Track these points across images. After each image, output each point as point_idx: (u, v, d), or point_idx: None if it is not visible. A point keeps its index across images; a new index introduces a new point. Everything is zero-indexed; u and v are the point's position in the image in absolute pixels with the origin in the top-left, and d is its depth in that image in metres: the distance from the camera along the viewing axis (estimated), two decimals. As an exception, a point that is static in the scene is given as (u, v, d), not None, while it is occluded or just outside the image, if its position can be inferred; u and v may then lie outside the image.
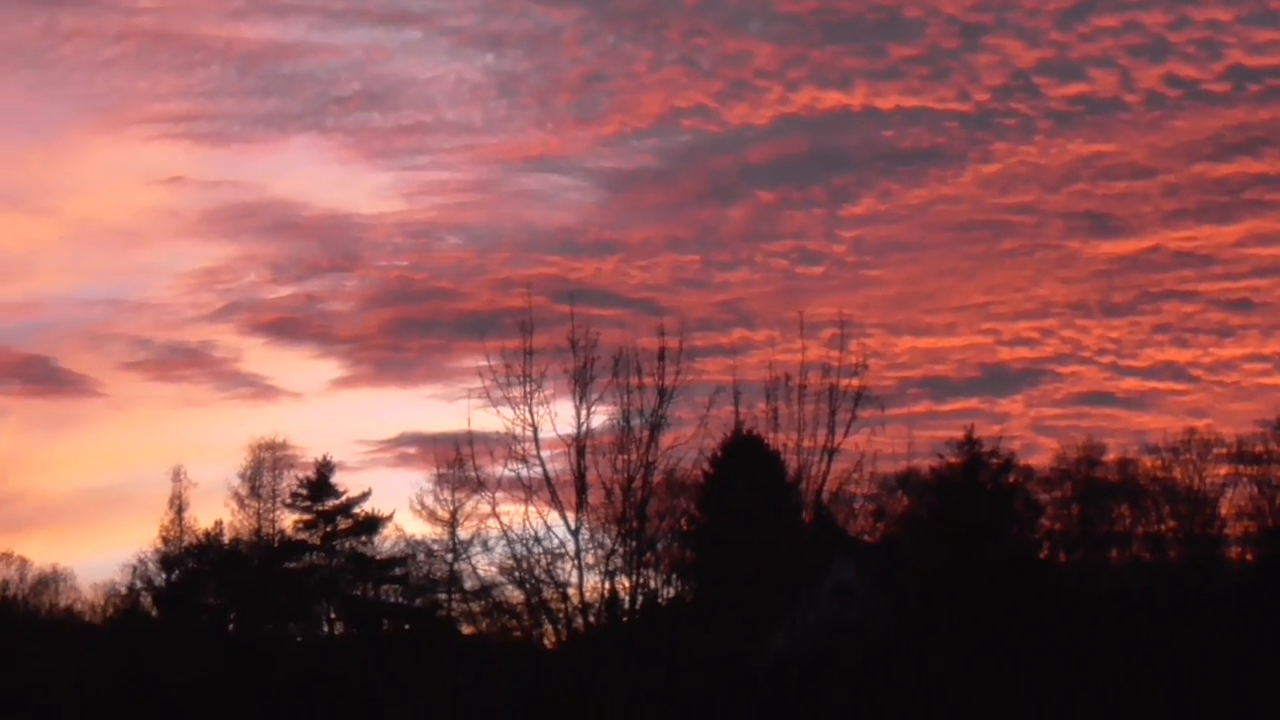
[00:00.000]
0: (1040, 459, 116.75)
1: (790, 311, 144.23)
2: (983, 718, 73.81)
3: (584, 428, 73.85)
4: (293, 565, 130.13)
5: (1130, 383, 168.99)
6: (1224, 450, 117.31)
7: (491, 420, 74.01)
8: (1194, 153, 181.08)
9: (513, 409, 73.60)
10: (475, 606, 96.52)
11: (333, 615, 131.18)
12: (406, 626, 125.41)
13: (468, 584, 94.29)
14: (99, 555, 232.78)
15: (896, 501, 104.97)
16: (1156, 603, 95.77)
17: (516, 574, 77.74)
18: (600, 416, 73.99)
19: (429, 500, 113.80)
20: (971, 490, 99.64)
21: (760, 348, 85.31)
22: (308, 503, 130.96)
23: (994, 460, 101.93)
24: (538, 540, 74.08)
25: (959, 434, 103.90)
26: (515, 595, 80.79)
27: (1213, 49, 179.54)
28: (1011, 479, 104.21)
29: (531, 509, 74.12)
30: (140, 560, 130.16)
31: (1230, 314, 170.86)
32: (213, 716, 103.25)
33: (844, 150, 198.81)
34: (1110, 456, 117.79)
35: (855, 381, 75.73)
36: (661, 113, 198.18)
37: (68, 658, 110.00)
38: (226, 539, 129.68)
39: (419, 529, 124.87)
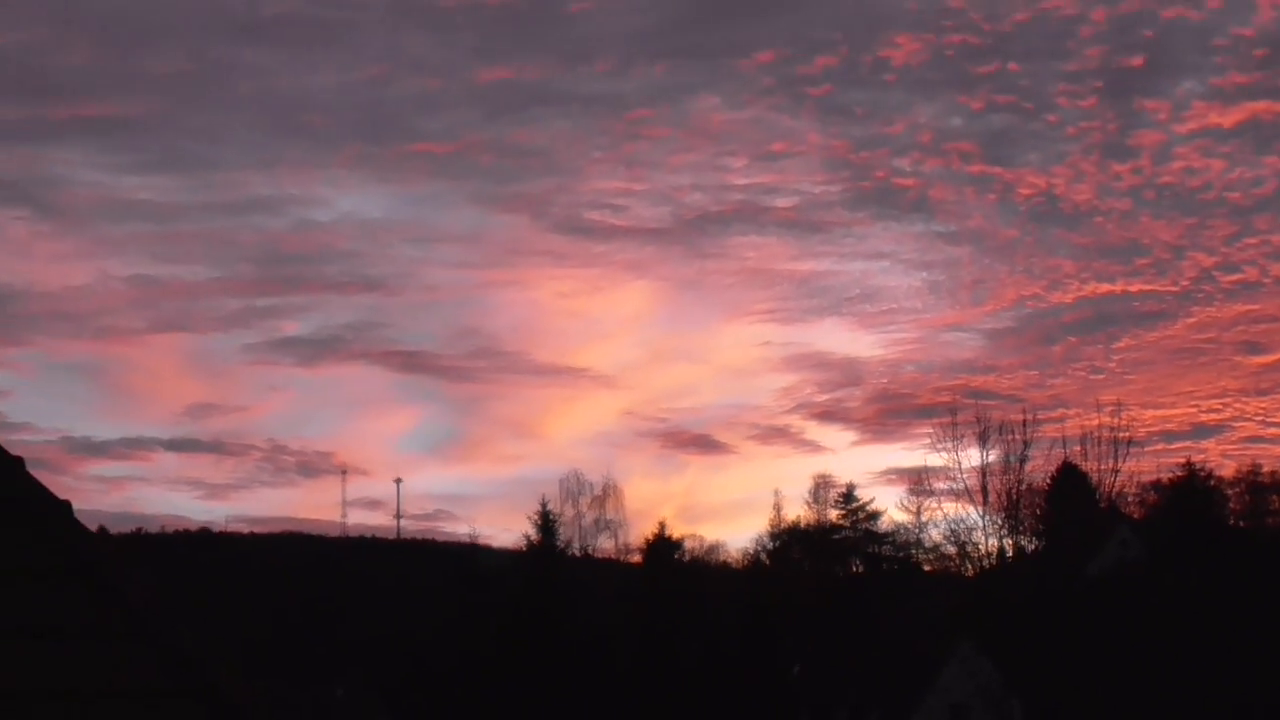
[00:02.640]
0: (1225, 472, 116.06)
1: (1089, 399, 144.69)
2: (1203, 618, 70.03)
3: (985, 461, 78.29)
4: (836, 537, 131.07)
5: (1273, 430, 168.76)
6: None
7: (935, 459, 78.48)
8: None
9: (945, 453, 78.18)
10: (930, 556, 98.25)
11: (857, 563, 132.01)
12: (895, 567, 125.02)
13: (926, 544, 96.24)
14: (738, 534, 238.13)
15: (1149, 496, 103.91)
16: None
17: (952, 538, 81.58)
18: (992, 455, 78.10)
19: (905, 501, 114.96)
20: (1190, 489, 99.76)
21: (1073, 418, 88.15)
22: (843, 505, 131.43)
23: (1201, 473, 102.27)
24: (961, 521, 78.40)
25: (1181, 460, 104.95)
26: (951, 549, 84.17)
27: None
28: (1212, 484, 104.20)
29: (958, 504, 78.46)
30: (759, 536, 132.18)
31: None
32: (798, 614, 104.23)
33: (1112, 314, 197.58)
34: (1265, 469, 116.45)
35: (1125, 435, 79.18)
36: (1015, 298, 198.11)
37: (723, 587, 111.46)
38: (802, 525, 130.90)
39: (899, 516, 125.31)
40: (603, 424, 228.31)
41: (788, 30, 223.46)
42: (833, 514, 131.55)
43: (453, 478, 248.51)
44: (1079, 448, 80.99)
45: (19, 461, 10.47)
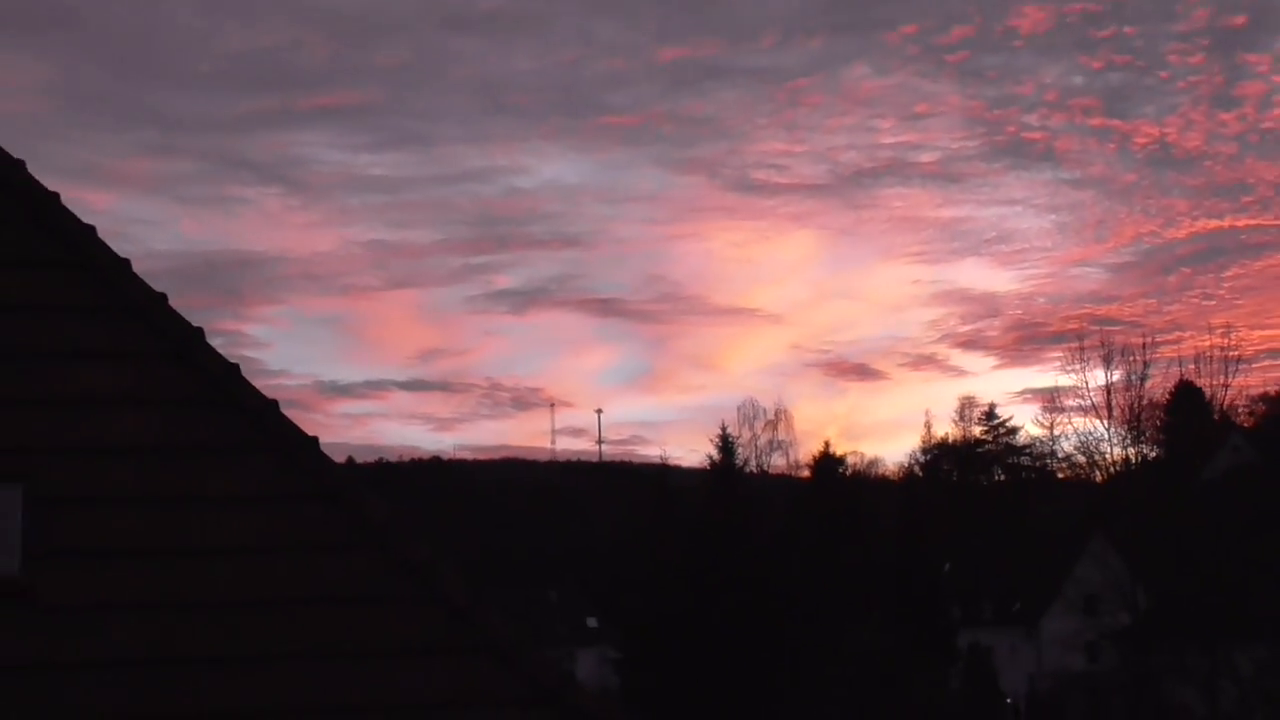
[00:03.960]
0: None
1: (1201, 323, 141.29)
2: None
3: (1109, 380, 76.99)
4: (980, 450, 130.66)
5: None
6: None
7: (1065, 380, 77.57)
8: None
9: (1075, 374, 77.15)
10: (1063, 465, 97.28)
11: (999, 473, 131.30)
12: (1032, 476, 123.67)
13: (1059, 455, 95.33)
14: (894, 451, 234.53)
15: (1259, 407, 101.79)
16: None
17: (1082, 448, 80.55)
18: (1116, 375, 76.87)
19: (1040, 417, 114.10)
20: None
21: (1188, 340, 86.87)
22: (986, 422, 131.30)
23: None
24: (1090, 433, 77.29)
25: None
26: (1081, 459, 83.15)
27: None
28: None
29: (1086, 419, 77.40)
30: (912, 451, 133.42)
31: None
32: (948, 519, 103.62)
33: (1221, 247, 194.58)
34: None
35: (1235, 353, 77.48)
36: (1134, 235, 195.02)
37: (881, 497, 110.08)
38: (950, 440, 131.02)
39: (1035, 431, 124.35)
40: (773, 357, 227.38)
41: (927, 4, 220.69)
42: (976, 430, 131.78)
43: (645, 407, 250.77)
44: (1193, 366, 79.61)
45: (274, 404, 10.94)
